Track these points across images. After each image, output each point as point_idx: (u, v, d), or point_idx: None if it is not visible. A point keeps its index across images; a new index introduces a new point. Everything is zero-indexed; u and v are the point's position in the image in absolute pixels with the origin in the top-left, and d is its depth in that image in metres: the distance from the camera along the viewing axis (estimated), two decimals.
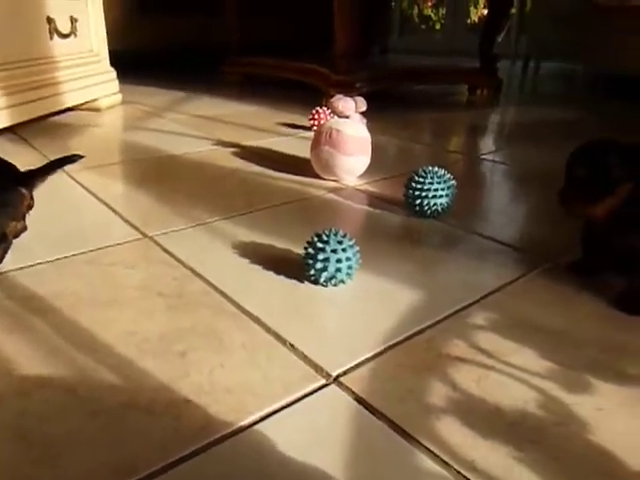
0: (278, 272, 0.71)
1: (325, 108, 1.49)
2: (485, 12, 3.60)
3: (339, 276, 0.67)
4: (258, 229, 0.85)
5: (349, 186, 1.07)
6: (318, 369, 0.53)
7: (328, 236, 0.68)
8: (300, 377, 0.52)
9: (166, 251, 0.77)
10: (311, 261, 0.67)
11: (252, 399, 0.49)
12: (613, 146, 0.64)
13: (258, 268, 0.73)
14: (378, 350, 0.56)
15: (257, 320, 0.61)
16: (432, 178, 0.88)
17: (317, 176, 1.09)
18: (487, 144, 1.56)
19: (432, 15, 4.11)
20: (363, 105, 1.06)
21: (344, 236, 0.69)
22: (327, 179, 1.09)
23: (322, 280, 0.67)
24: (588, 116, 1.82)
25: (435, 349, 0.57)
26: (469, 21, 3.71)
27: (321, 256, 0.66)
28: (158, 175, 1.13)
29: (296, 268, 0.70)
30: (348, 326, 0.61)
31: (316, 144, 1.06)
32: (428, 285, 0.70)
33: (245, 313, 0.62)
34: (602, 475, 0.42)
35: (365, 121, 1.10)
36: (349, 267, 0.67)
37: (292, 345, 0.56)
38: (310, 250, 0.67)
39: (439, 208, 0.89)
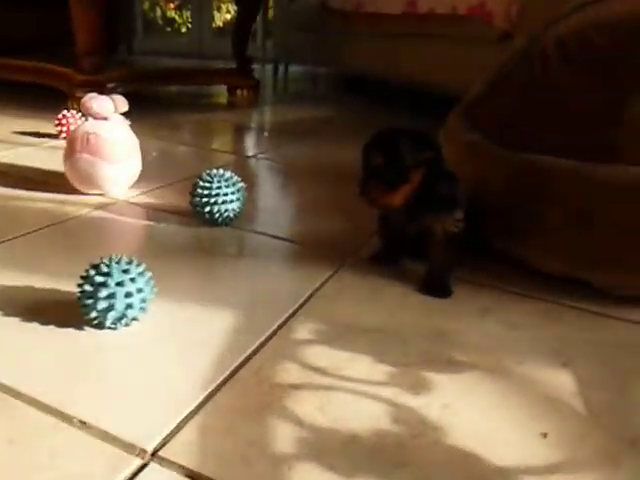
0: (45, 322, 0.54)
1: (73, 112, 1.28)
2: (228, 17, 3.63)
3: (131, 314, 0.53)
4: (8, 267, 0.65)
5: (119, 199, 0.90)
6: (127, 447, 0.40)
7: (109, 266, 0.53)
8: (104, 465, 0.38)
9: None
10: (90, 301, 0.52)
11: None
12: (403, 134, 0.64)
13: (15, 321, 0.54)
14: (200, 399, 0.45)
15: (24, 398, 0.44)
16: (220, 182, 0.79)
17: (76, 191, 0.91)
18: (258, 143, 1.52)
19: (177, 17, 3.99)
20: (124, 105, 0.91)
21: (129, 262, 0.55)
22: (89, 193, 0.91)
23: (109, 322, 0.53)
24: (337, 113, 1.94)
25: (266, 380, 0.48)
26: (214, 25, 3.69)
27: (104, 292, 0.51)
28: None
29: (70, 312, 0.54)
30: (154, 377, 0.48)
31: (71, 152, 0.87)
32: (239, 303, 0.61)
33: (4, 391, 0.44)
34: None
35: (128, 122, 0.95)
36: (142, 300, 0.54)
37: (83, 422, 0.41)
38: (87, 287, 0.52)
39: (231, 214, 0.80)
